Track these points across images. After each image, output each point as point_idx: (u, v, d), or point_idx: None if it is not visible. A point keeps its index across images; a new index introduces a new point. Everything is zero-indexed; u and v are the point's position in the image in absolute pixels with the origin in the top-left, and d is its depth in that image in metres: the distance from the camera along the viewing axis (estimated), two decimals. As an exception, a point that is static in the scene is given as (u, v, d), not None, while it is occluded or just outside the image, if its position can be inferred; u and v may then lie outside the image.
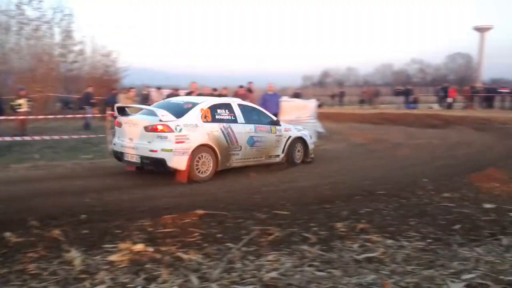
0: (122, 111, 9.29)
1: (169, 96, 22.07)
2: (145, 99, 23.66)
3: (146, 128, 8.48)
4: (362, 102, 40.28)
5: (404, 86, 40.68)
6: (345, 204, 6.56)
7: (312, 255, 4.27)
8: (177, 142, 8.31)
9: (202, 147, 8.65)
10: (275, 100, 14.83)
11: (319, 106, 34.07)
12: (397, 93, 37.41)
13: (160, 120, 8.37)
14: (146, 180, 8.62)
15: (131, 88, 14.94)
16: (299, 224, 5.45)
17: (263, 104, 14.65)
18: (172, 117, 8.48)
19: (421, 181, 8.19)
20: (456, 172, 9.03)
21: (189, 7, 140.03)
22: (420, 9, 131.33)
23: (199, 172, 8.61)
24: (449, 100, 33.49)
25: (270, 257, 4.19)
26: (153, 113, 8.72)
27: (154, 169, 8.69)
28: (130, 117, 9.18)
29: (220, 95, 16.35)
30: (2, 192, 7.23)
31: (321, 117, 19.20)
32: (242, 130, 9.47)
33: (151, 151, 8.35)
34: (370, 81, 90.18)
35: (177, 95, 19.97)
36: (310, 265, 4.01)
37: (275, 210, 6.10)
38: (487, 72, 72.05)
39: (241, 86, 16.59)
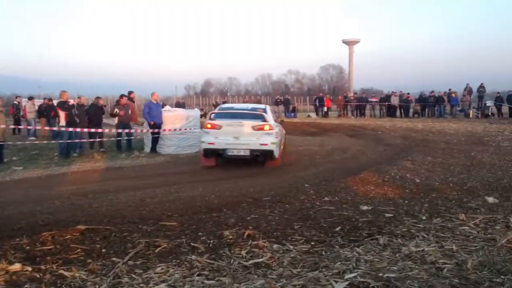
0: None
1: (41, 106, 21.00)
2: (17, 109, 22.19)
3: (254, 128, 11.00)
4: (244, 111, 41.01)
5: (283, 96, 42.15)
6: (232, 211, 6.61)
7: (201, 264, 4.25)
8: (276, 137, 11.10)
9: None
10: (159, 110, 14.76)
11: (203, 115, 34.23)
12: (277, 103, 38.74)
13: (265, 121, 11.12)
14: (19, 196, 8.07)
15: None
16: (187, 234, 5.40)
17: (148, 112, 14.49)
18: (270, 118, 11.42)
19: (303, 186, 8.47)
20: (334, 176, 9.46)
21: (64, 12, 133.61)
22: (295, 21, 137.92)
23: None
24: (325, 109, 35.41)
25: (158, 269, 4.10)
26: (252, 116, 11.39)
27: (260, 158, 11.20)
28: (233, 120, 11.22)
29: (97, 104, 15.92)
30: None
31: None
32: (280, 127, 12.37)
33: (261, 144, 10.91)
34: (251, 90, 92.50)
35: (52, 105, 19.04)
36: (199, 275, 3.98)
37: (162, 222, 5.99)
38: (358, 82, 77.61)
39: (122, 96, 16.13)
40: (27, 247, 4.73)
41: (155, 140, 14.61)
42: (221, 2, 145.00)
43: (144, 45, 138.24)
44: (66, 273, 3.93)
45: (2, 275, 3.82)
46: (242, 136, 10.89)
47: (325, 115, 34.91)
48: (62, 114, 13.75)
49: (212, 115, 11.70)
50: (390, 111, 32.96)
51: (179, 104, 41.46)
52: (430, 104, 31.89)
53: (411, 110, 32.90)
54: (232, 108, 12.89)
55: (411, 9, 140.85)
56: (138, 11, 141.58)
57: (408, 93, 34.41)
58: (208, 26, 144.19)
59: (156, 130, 14.43)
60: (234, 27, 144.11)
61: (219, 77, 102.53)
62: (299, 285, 3.67)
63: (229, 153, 10.94)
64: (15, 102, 23.05)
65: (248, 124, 11.03)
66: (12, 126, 18.95)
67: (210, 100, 60.46)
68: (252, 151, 10.85)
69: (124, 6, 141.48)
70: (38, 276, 3.87)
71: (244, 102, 42.80)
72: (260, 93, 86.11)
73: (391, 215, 6.30)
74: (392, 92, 34.47)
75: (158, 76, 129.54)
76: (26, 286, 3.65)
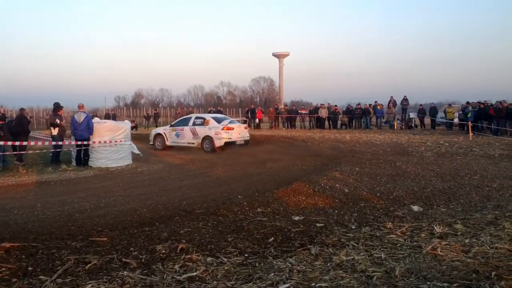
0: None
1: None
2: None
3: (244, 128, 20.00)
4: (176, 123, 40.76)
5: (215, 108, 42.20)
6: (165, 225, 6.54)
7: (133, 280, 4.17)
8: None
9: None
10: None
11: (134, 128, 33.66)
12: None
13: (245, 122, 23.33)
14: None
15: None
16: (118, 250, 5.29)
17: (73, 124, 14.20)
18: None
19: (236, 198, 8.52)
20: (266, 188, 9.56)
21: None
22: (227, 33, 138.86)
23: None
24: (257, 120, 35.78)
25: (88, 287, 4.01)
26: (239, 122, 21.05)
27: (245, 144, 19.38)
28: (237, 124, 19.95)
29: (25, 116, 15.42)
30: None
31: (136, 138, 19.01)
32: None
33: (247, 136, 19.68)
34: (183, 102, 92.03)
35: None
36: (131, 291, 3.92)
37: (92, 237, 5.84)
38: (288, 95, 79.25)
39: (59, 106, 15.66)
40: None
41: (85, 153, 14.23)
42: (153, 11, 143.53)
43: (69, 53, 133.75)
44: (-11, 294, 3.75)
45: None
46: (241, 132, 19.39)
47: (257, 126, 35.26)
48: None
49: (227, 122, 19.28)
50: (319, 123, 33.81)
51: (109, 116, 40.58)
52: (357, 116, 32.97)
53: (339, 122, 33.95)
54: (228, 118, 21.15)
55: (337, 23, 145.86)
56: (63, 18, 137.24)
57: (336, 105, 35.48)
58: (139, 36, 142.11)
59: (85, 143, 14.07)
60: (165, 38, 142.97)
61: (150, 88, 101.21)
62: (233, 297, 3.69)
63: (237, 143, 18.98)
64: None
65: (242, 126, 20.05)
66: None
67: (141, 111, 59.58)
68: (245, 140, 19.44)
69: (48, 12, 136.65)
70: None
71: (176, 113, 42.58)
72: (193, 105, 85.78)
73: (322, 225, 6.47)
74: (321, 104, 35.36)
75: (86, 86, 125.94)
76: None
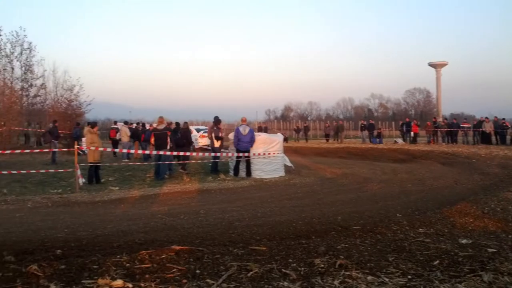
0: None
1: (131, 129, 22.37)
2: (117, 133, 23.60)
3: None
4: (327, 136, 40.82)
5: (367, 121, 41.35)
6: (321, 239, 6.46)
7: (294, 292, 4.15)
8: None
9: None
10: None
11: (285, 140, 34.42)
12: (362, 128, 38.10)
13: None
14: (118, 215, 8.49)
15: (95, 123, 14.80)
16: (277, 260, 5.31)
17: (236, 136, 15.03)
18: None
19: (394, 216, 8.17)
20: (428, 206, 9.05)
21: (151, 41, 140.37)
22: (377, 43, 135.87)
23: None
24: (412, 134, 34.18)
25: (251, 294, 4.06)
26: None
27: None
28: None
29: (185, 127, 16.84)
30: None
31: (287, 151, 19.37)
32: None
33: None
34: (332, 115, 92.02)
35: (144, 129, 20.46)
36: (294, 303, 3.89)
37: (252, 246, 5.97)
38: (446, 107, 74.43)
39: (218, 121, 16.77)
40: (127, 265, 4.86)
41: (248, 165, 14.97)
42: (300, 27, 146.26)
43: (223, 72, 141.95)
44: (163, 292, 3.99)
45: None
46: None
47: (413, 141, 33.70)
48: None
49: (203, 132, 21.62)
50: (484, 138, 31.02)
51: (261, 129, 42.02)
52: (530, 130, 29.76)
53: (508, 137, 30.85)
54: (206, 128, 23.12)
55: (500, 27, 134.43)
56: (223, 40, 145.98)
57: (504, 119, 32.17)
58: (288, 51, 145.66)
59: (240, 154, 14.74)
60: (315, 51, 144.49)
61: (299, 101, 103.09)
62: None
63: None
64: (115, 126, 24.41)
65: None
66: (109, 150, 20.21)
67: (290, 124, 60.81)
68: None
69: (204, 37, 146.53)
70: (140, 292, 3.96)
71: (325, 126, 42.75)
72: (342, 118, 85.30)
73: (494, 250, 5.87)
74: (485, 117, 32.41)
75: (238, 101, 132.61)
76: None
